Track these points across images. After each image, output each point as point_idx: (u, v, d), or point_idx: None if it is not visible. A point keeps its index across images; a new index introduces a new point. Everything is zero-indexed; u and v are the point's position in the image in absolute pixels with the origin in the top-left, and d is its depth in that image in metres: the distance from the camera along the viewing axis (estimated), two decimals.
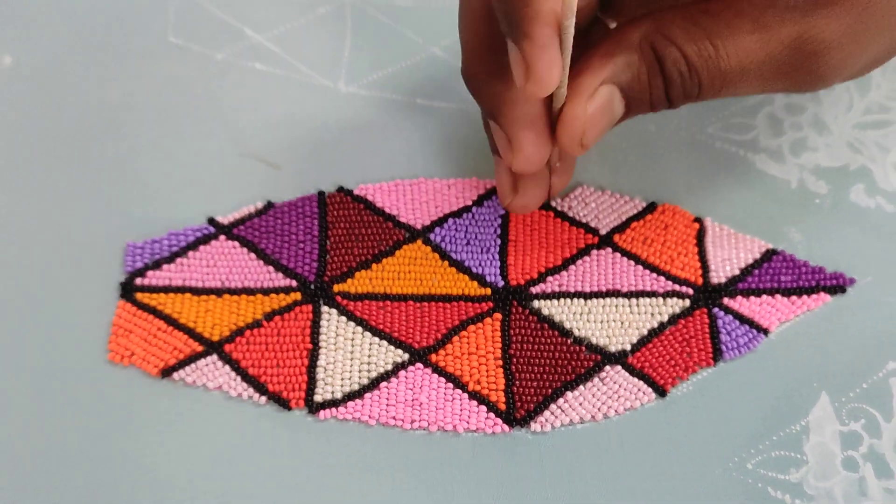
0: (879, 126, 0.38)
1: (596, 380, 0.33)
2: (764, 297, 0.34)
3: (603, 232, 0.35)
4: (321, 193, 0.36)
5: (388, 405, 0.32)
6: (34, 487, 0.31)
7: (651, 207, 0.36)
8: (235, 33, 0.40)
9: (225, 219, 0.35)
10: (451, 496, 0.31)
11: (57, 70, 0.39)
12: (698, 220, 0.36)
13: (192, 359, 0.33)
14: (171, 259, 0.34)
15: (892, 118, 0.38)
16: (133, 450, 0.32)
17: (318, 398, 0.32)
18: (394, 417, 0.32)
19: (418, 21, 0.40)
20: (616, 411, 0.32)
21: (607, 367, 0.33)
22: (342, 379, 0.32)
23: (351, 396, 0.32)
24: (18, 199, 0.36)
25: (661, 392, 0.32)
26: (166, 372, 0.33)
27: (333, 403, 0.32)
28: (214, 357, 0.33)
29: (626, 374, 0.33)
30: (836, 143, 0.37)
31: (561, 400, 0.32)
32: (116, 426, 0.32)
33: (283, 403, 0.32)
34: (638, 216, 0.36)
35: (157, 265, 0.34)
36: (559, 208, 0.36)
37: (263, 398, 0.32)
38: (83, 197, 0.36)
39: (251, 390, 0.32)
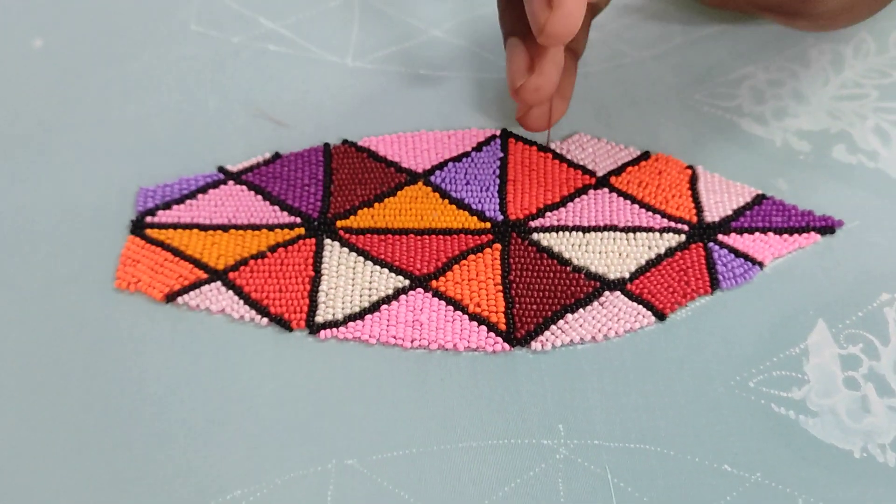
0: (855, 98, 0.38)
1: (595, 304, 0.31)
2: (757, 234, 0.33)
3: (600, 174, 0.35)
4: (326, 145, 0.35)
5: (388, 325, 0.31)
6: (40, 405, 0.29)
7: (645, 155, 0.35)
8: (251, 22, 0.41)
9: (234, 167, 0.35)
10: (450, 410, 0.29)
11: (83, 52, 0.39)
12: (690, 167, 0.35)
13: (196, 284, 0.31)
14: (181, 200, 0.34)
15: (867, 93, 0.38)
16: (136, 369, 0.30)
17: (318, 319, 0.31)
18: (394, 336, 0.30)
19: (422, 10, 0.41)
20: (616, 333, 0.31)
21: (606, 293, 0.31)
22: (343, 302, 0.31)
23: (351, 318, 0.31)
24: (42, 156, 0.36)
25: (660, 316, 0.31)
26: (171, 297, 0.31)
27: (334, 324, 0.31)
28: (218, 283, 0.31)
29: (626, 298, 0.31)
30: (815, 112, 0.37)
31: (561, 321, 0.31)
32: (121, 348, 0.30)
33: (285, 325, 0.31)
34: (633, 162, 0.35)
35: (167, 206, 0.33)
36: (557, 150, 0.35)
37: (265, 320, 0.31)
38: (101, 152, 0.36)
39: (253, 313, 0.31)
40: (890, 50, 0.39)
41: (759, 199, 0.34)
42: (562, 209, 0.34)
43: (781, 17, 0.37)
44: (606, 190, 0.34)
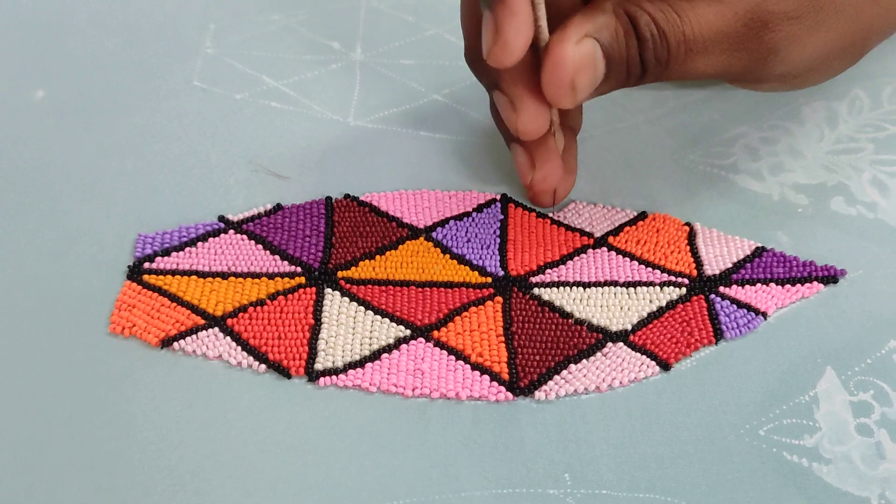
0: (851, 152, 0.38)
1: (599, 354, 0.30)
2: (759, 285, 0.32)
3: (598, 235, 0.34)
4: (328, 198, 0.35)
5: (389, 373, 0.29)
6: (30, 447, 0.28)
7: (643, 215, 0.35)
8: (254, 80, 0.41)
9: (235, 217, 0.34)
10: (452, 459, 0.27)
11: (85, 104, 0.39)
12: (688, 224, 0.35)
13: (193, 330, 0.30)
14: (180, 247, 0.33)
15: (862, 146, 0.38)
16: (127, 415, 0.28)
17: (318, 366, 0.29)
18: (395, 385, 0.29)
19: (421, 75, 0.41)
20: (621, 382, 0.29)
21: (609, 344, 0.30)
22: (343, 350, 0.30)
23: (352, 366, 0.29)
24: (41, 203, 0.35)
25: (664, 366, 0.30)
26: (166, 342, 0.30)
27: (334, 371, 0.29)
28: (216, 329, 0.30)
29: (629, 349, 0.30)
30: (811, 166, 0.37)
31: (564, 371, 0.29)
32: (112, 393, 0.29)
33: (283, 372, 0.29)
34: (631, 222, 0.35)
35: (166, 252, 0.33)
36: (555, 218, 0.35)
37: (263, 367, 0.29)
38: (100, 200, 0.35)
39: (251, 359, 0.30)
40: (884, 105, 0.39)
41: (760, 252, 0.33)
42: (562, 266, 0.33)
43: (749, 85, 0.37)
44: (605, 249, 0.34)
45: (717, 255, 0.33)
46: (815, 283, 0.32)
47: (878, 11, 0.33)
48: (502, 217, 0.35)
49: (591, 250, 0.34)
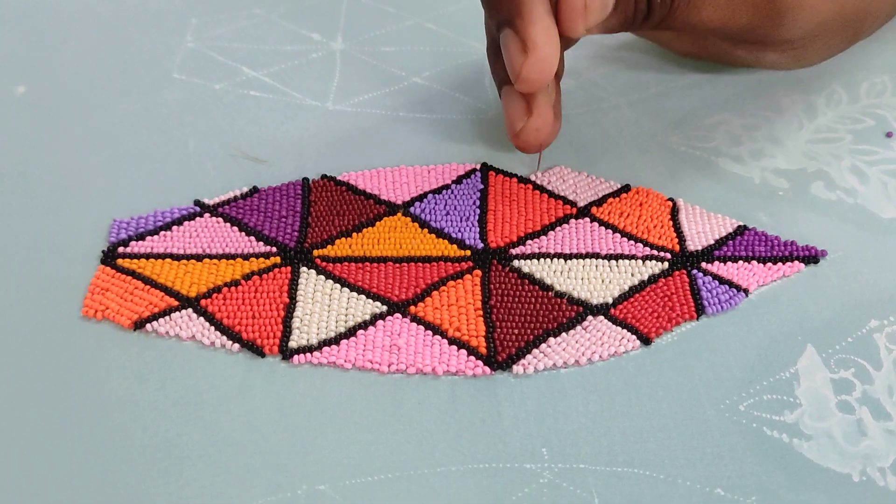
0: (830, 141, 0.37)
1: (579, 328, 0.30)
2: (740, 262, 0.32)
3: (581, 204, 0.34)
4: (305, 179, 0.35)
5: (364, 350, 0.29)
6: (5, 433, 0.27)
7: (626, 188, 0.35)
8: (234, 71, 0.41)
9: (210, 200, 0.34)
10: (428, 435, 0.27)
11: (65, 97, 0.39)
12: (671, 199, 0.34)
13: (166, 312, 0.30)
14: (155, 231, 0.32)
15: (840, 136, 0.38)
16: (99, 397, 0.28)
17: (292, 344, 0.29)
18: (370, 361, 0.29)
19: (401, 60, 0.41)
20: (601, 356, 0.29)
21: (590, 317, 0.30)
22: (318, 328, 0.29)
23: (326, 343, 0.29)
24: (17, 191, 0.35)
25: (645, 340, 0.29)
26: (139, 324, 0.29)
27: (308, 349, 0.29)
28: (189, 310, 0.30)
29: (609, 323, 0.30)
30: (791, 153, 0.37)
31: (543, 345, 0.29)
32: (84, 376, 0.28)
33: (257, 351, 0.29)
34: (614, 194, 0.34)
35: (140, 237, 0.32)
36: (538, 182, 0.35)
37: (236, 346, 0.29)
38: (76, 188, 0.35)
39: (224, 339, 0.29)
40: (862, 99, 0.40)
41: (742, 230, 0.33)
42: (543, 237, 0.33)
43: (753, 47, 0.37)
44: (588, 220, 0.33)
45: (700, 231, 0.33)
46: (797, 262, 0.32)
47: None
48: (482, 187, 0.34)
49: (573, 220, 0.33)
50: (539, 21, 0.30)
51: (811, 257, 0.32)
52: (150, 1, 0.45)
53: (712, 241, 0.33)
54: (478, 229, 0.33)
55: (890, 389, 0.29)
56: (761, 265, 0.32)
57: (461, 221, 0.33)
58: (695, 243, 0.33)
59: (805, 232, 0.33)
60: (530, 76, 0.30)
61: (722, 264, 0.32)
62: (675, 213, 0.34)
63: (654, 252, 0.32)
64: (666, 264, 0.32)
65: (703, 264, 0.32)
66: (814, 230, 0.34)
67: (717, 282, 0.31)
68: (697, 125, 0.38)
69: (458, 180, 0.34)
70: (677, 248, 0.32)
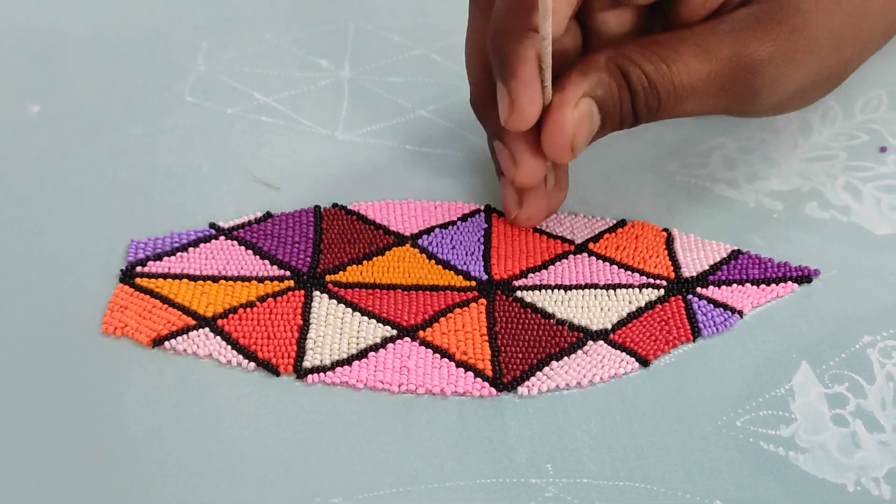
0: (824, 160, 0.39)
1: (580, 352, 0.31)
2: (735, 286, 0.33)
3: (578, 241, 0.35)
4: (317, 207, 0.36)
5: (375, 370, 0.30)
6: (23, 445, 0.28)
7: (622, 223, 0.36)
8: (245, 96, 0.42)
9: (225, 224, 0.35)
10: (437, 451, 0.28)
11: (79, 118, 0.40)
12: (666, 230, 0.36)
13: (183, 330, 0.31)
14: (171, 252, 0.34)
15: (835, 154, 0.39)
16: (118, 412, 0.29)
17: (306, 364, 0.30)
18: (381, 381, 0.30)
19: (408, 92, 0.42)
20: (601, 378, 0.30)
21: (590, 342, 0.31)
22: (331, 349, 0.31)
23: (339, 363, 0.30)
24: (33, 212, 0.36)
25: (644, 362, 0.31)
26: (157, 342, 0.31)
27: (322, 369, 0.30)
28: (206, 329, 0.31)
29: (609, 347, 0.31)
30: (786, 174, 0.38)
31: (547, 368, 0.30)
32: (104, 391, 0.30)
33: (272, 369, 0.30)
34: (610, 230, 0.36)
35: (157, 257, 0.33)
36: (537, 226, 0.36)
37: (252, 365, 0.30)
38: (93, 209, 0.36)
39: (241, 358, 0.30)
40: (856, 116, 0.41)
41: (736, 255, 0.34)
42: (543, 271, 0.34)
43: (733, 116, 0.39)
44: (586, 254, 0.35)
45: (695, 258, 0.34)
46: (790, 282, 0.33)
47: (855, 43, 0.34)
48: (486, 226, 0.36)
49: (572, 256, 0.35)
50: (523, 136, 0.32)
51: (804, 277, 0.33)
52: (161, 24, 0.46)
53: (707, 267, 0.34)
54: (482, 263, 0.34)
55: (883, 403, 0.30)
56: (755, 287, 0.33)
57: (466, 255, 0.34)
58: (690, 270, 0.34)
59: (799, 252, 0.35)
60: (522, 182, 0.33)
61: (717, 288, 0.33)
62: (669, 242, 0.35)
63: (651, 280, 0.33)
64: (662, 291, 0.33)
65: (699, 289, 0.33)
66: (807, 250, 0.35)
67: (712, 305, 0.32)
68: (693, 151, 0.39)
69: (464, 218, 0.36)
70: (672, 275, 0.34)
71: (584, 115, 0.31)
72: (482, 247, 0.35)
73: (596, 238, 0.35)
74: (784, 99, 0.34)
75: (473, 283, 0.33)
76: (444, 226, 0.36)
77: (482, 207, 0.37)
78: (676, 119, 0.40)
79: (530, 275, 0.34)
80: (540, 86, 0.31)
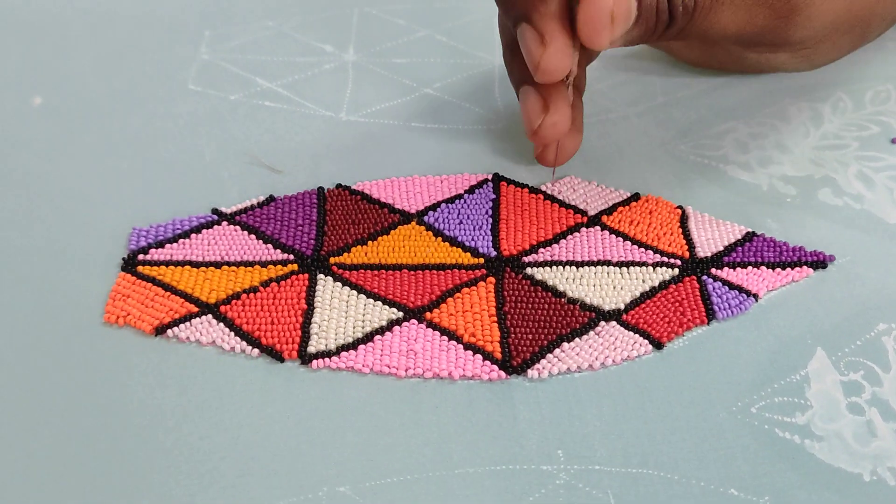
0: (837, 148, 0.38)
1: (592, 333, 0.30)
2: (750, 268, 0.33)
3: (591, 213, 0.34)
4: (320, 188, 0.35)
5: (381, 355, 0.29)
6: (27, 434, 0.28)
7: (636, 196, 0.35)
8: (248, 82, 0.41)
9: (228, 209, 0.35)
10: (445, 437, 0.28)
11: (82, 107, 0.40)
12: (680, 207, 0.35)
13: (186, 318, 0.30)
14: (174, 239, 0.33)
15: (847, 143, 0.38)
16: (122, 401, 0.29)
17: (311, 349, 0.29)
18: (388, 365, 0.29)
19: (412, 71, 0.42)
20: (613, 361, 0.30)
21: (602, 323, 0.30)
22: (336, 333, 0.30)
23: (344, 348, 0.30)
24: (36, 200, 0.36)
25: (657, 345, 0.30)
26: (160, 330, 0.30)
27: (327, 354, 0.29)
28: (209, 316, 0.31)
29: (622, 328, 0.30)
30: (798, 160, 0.38)
31: (557, 350, 0.30)
32: (107, 380, 0.29)
33: (276, 356, 0.29)
34: (624, 202, 0.35)
35: (159, 244, 0.33)
36: (549, 192, 0.35)
37: (256, 351, 0.30)
38: (95, 196, 0.35)
39: (244, 344, 0.30)
40: (866, 107, 0.40)
41: (750, 237, 0.34)
42: (554, 245, 0.33)
43: (766, 49, 0.38)
44: (598, 228, 0.34)
45: (709, 238, 0.34)
46: (805, 267, 0.33)
47: None
48: (494, 196, 0.35)
49: (584, 229, 0.34)
50: (555, 13, 0.31)
51: (819, 262, 0.33)
52: (164, 13, 0.46)
53: (721, 248, 0.33)
54: (490, 238, 0.33)
55: None
56: (770, 270, 0.33)
57: (474, 230, 0.34)
58: (704, 250, 0.33)
59: (813, 237, 0.34)
60: (549, 66, 0.31)
61: (731, 270, 0.32)
62: (684, 220, 0.34)
63: (665, 259, 0.33)
64: (676, 271, 0.32)
65: (713, 270, 0.32)
66: (822, 236, 0.34)
67: (726, 287, 0.32)
68: (705, 134, 0.39)
69: (471, 190, 0.35)
70: (687, 254, 0.33)
71: None
72: (490, 220, 0.34)
73: (609, 211, 0.35)
74: (817, 30, 0.33)
75: (482, 261, 0.33)
76: (450, 200, 0.35)
77: (489, 177, 0.36)
78: (688, 101, 0.40)
79: (541, 249, 0.33)
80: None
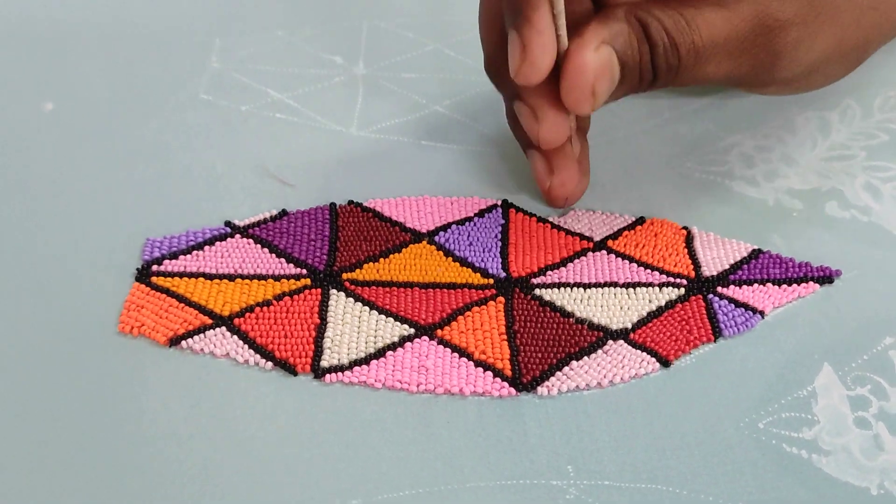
0: (844, 159, 0.39)
1: (600, 352, 0.31)
2: (756, 285, 0.33)
3: (597, 239, 0.35)
4: (332, 204, 0.36)
5: (393, 370, 0.30)
6: (39, 444, 0.28)
7: (641, 220, 0.36)
8: (259, 93, 0.42)
9: (241, 222, 0.35)
10: (456, 452, 0.28)
11: (93, 116, 0.40)
12: (685, 228, 0.35)
13: (200, 329, 0.31)
14: (187, 251, 0.33)
15: (854, 154, 0.39)
16: (135, 411, 0.29)
17: (324, 363, 0.30)
18: (399, 381, 0.30)
19: (423, 87, 0.42)
20: (622, 378, 0.30)
21: (610, 342, 0.31)
22: (349, 348, 0.30)
23: (357, 363, 0.30)
24: (47, 211, 0.36)
25: (664, 363, 0.30)
26: (174, 341, 0.31)
27: (339, 369, 0.30)
28: (223, 328, 0.31)
29: (629, 347, 0.31)
30: (805, 173, 0.38)
31: (566, 368, 0.30)
32: (121, 390, 0.29)
33: (290, 369, 0.30)
34: (629, 227, 0.35)
35: (173, 256, 0.33)
36: (555, 223, 0.36)
37: (269, 364, 0.30)
38: (108, 208, 0.36)
39: (258, 357, 0.30)
40: (875, 115, 0.41)
41: (756, 254, 0.34)
42: (562, 269, 0.34)
43: (755, 88, 0.38)
44: (605, 252, 0.34)
45: (715, 257, 0.34)
46: (811, 283, 0.33)
47: (877, 18, 0.34)
48: (503, 221, 0.36)
49: (590, 253, 0.34)
50: (542, 90, 0.32)
51: (826, 277, 0.33)
52: (174, 22, 0.46)
53: (727, 266, 0.34)
54: (500, 260, 0.34)
55: None
56: (776, 287, 0.33)
57: (484, 252, 0.34)
58: (710, 269, 0.34)
59: (819, 252, 0.34)
60: (547, 139, 0.33)
61: (737, 288, 0.33)
62: (689, 240, 0.35)
63: (671, 279, 0.33)
64: (682, 290, 0.33)
65: (719, 288, 0.33)
66: (828, 250, 0.34)
67: (733, 305, 0.32)
68: (711, 149, 0.39)
69: (481, 213, 0.36)
70: (693, 274, 0.33)
71: (604, 60, 0.30)
72: (499, 243, 0.35)
73: (615, 235, 0.35)
74: (806, 68, 0.33)
75: (491, 281, 0.33)
76: (460, 222, 0.35)
77: (499, 203, 0.36)
78: (693, 115, 0.41)
79: (549, 272, 0.33)
80: (554, 34, 0.30)
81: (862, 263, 0.34)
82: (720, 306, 0.32)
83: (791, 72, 0.33)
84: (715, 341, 0.31)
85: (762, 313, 0.32)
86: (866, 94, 0.41)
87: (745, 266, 0.34)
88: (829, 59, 0.33)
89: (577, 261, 0.34)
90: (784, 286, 0.33)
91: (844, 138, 0.39)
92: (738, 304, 0.32)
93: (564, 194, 0.35)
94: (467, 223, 0.35)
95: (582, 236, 0.35)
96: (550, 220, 0.36)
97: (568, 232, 0.35)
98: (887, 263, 0.34)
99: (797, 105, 0.41)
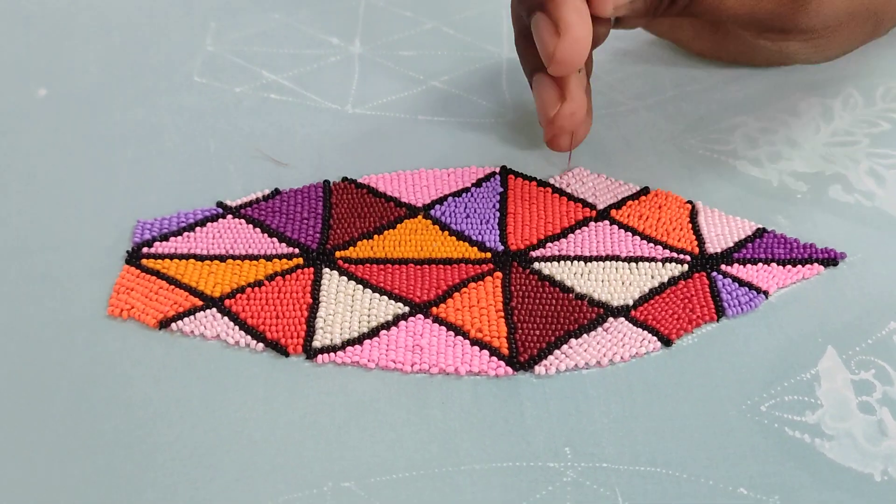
0: (847, 145, 0.38)
1: (600, 329, 0.30)
2: (760, 265, 0.32)
3: (600, 207, 0.34)
4: (326, 181, 0.35)
5: (387, 350, 0.29)
6: (29, 428, 0.28)
7: (645, 190, 0.35)
8: (254, 74, 0.41)
9: (233, 202, 0.34)
10: (452, 433, 0.27)
11: (87, 99, 0.40)
12: (690, 202, 0.35)
13: (190, 311, 0.30)
14: (178, 232, 0.33)
15: (857, 140, 0.38)
16: (125, 395, 0.28)
17: (316, 344, 0.29)
18: (393, 361, 0.29)
19: (419, 64, 0.42)
20: (622, 358, 0.29)
21: (610, 319, 0.30)
22: (341, 328, 0.30)
23: (350, 343, 0.29)
24: (41, 192, 0.35)
25: (666, 342, 0.30)
26: (164, 324, 0.30)
27: (332, 349, 0.29)
28: (214, 310, 0.30)
29: (630, 324, 0.30)
30: (809, 156, 0.37)
31: (565, 346, 0.29)
32: (110, 374, 0.29)
33: (281, 350, 0.29)
34: (633, 196, 0.35)
35: (164, 237, 0.33)
36: (557, 185, 0.35)
37: (261, 346, 0.29)
38: (100, 189, 0.35)
39: (249, 338, 0.30)
40: (877, 103, 0.40)
41: (760, 233, 0.33)
42: (563, 240, 0.33)
43: (776, 36, 0.37)
44: (607, 222, 0.34)
45: (719, 233, 0.33)
46: (816, 264, 0.32)
47: None
48: (502, 190, 0.35)
49: (592, 223, 0.34)
50: (571, 2, 0.30)
51: (830, 260, 0.33)
52: (169, 5, 0.46)
53: (731, 244, 0.33)
54: (498, 232, 0.33)
55: None
56: (781, 267, 0.32)
57: (481, 224, 0.33)
58: (714, 246, 0.33)
59: (823, 234, 0.34)
60: (564, 57, 0.31)
61: (741, 266, 0.32)
62: (693, 215, 0.34)
63: (674, 254, 0.32)
64: (686, 266, 0.32)
65: (723, 266, 0.32)
66: (832, 233, 0.34)
67: (736, 284, 0.32)
68: (715, 128, 0.39)
69: (478, 183, 0.35)
70: (696, 250, 0.33)
71: None
72: (498, 213, 0.34)
73: (618, 205, 0.34)
74: (826, 19, 0.32)
75: (489, 255, 0.32)
76: (457, 194, 0.35)
77: (497, 170, 0.36)
78: (696, 95, 0.40)
79: (548, 244, 0.33)
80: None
81: (867, 247, 0.33)
82: (724, 285, 0.32)
83: (815, 19, 0.32)
84: (718, 321, 0.31)
85: (766, 293, 0.31)
86: (868, 84, 0.41)
87: (750, 245, 0.33)
88: (852, 14, 0.32)
89: (578, 231, 0.33)
90: (788, 266, 0.32)
91: (847, 125, 0.39)
92: (741, 283, 0.32)
93: (572, 125, 0.33)
94: (464, 194, 0.35)
95: (584, 203, 0.34)
96: (552, 182, 0.35)
97: (570, 197, 0.35)
98: (891, 248, 0.33)
99: (800, 90, 0.40)
